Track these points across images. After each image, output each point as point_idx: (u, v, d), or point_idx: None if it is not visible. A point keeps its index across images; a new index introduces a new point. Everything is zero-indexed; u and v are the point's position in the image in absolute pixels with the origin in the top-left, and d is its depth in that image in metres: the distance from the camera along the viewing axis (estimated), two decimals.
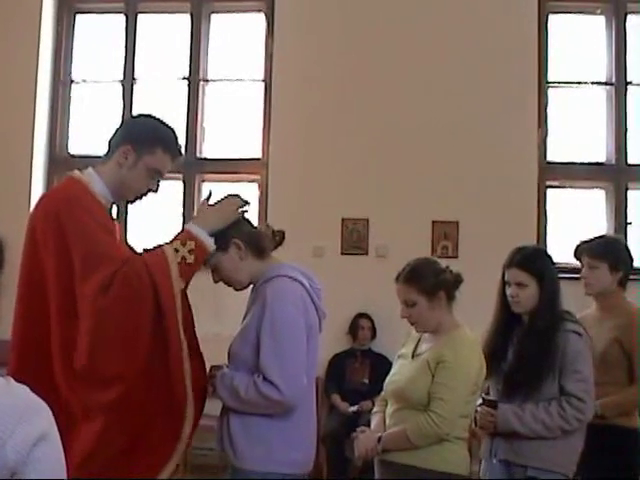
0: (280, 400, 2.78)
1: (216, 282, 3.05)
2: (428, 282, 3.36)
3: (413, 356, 3.47)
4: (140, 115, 3.10)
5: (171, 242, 2.84)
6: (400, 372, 3.47)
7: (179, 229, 2.88)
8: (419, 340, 3.52)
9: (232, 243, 2.95)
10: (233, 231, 2.96)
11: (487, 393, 3.57)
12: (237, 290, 3.07)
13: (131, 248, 2.98)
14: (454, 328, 3.41)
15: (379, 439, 3.36)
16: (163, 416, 2.77)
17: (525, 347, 3.48)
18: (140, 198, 3.00)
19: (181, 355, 2.76)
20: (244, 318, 3.02)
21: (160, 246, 2.83)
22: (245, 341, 2.90)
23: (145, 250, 2.86)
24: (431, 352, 3.36)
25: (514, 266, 3.55)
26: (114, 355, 2.66)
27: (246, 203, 3.01)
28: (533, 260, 3.57)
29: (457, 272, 3.45)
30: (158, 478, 2.76)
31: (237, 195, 3.00)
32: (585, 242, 4.07)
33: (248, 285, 3.05)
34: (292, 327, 2.84)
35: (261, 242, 3.02)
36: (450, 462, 3.30)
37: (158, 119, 3.02)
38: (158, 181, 2.98)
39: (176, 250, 2.80)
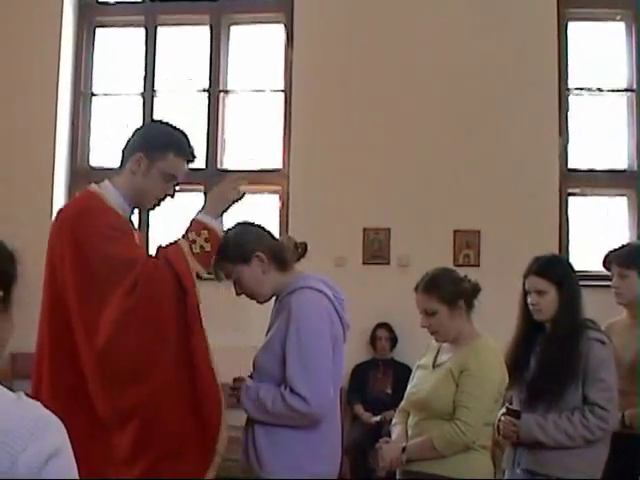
0: (308, 412, 2.77)
1: (238, 295, 3.04)
2: (447, 290, 3.38)
3: (434, 366, 3.48)
4: (150, 122, 3.10)
5: (185, 234, 2.89)
6: (421, 383, 3.48)
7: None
8: (438, 350, 3.54)
9: (254, 256, 2.94)
10: (255, 244, 2.96)
11: (510, 403, 3.56)
12: (260, 303, 3.07)
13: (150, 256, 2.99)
14: (475, 337, 3.43)
15: (403, 449, 3.36)
16: (197, 410, 2.79)
17: (547, 354, 3.48)
18: (159, 204, 3.03)
19: (205, 347, 2.80)
20: (268, 330, 3.01)
21: (174, 241, 2.89)
22: (270, 353, 2.89)
23: (160, 247, 2.91)
24: (454, 361, 3.37)
25: (532, 274, 3.56)
26: (140, 352, 2.69)
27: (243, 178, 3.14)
28: (551, 266, 3.58)
29: (475, 281, 3.46)
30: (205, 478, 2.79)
31: (234, 174, 3.04)
32: (614, 251, 4.00)
33: (271, 297, 3.05)
34: (318, 339, 2.84)
35: (283, 254, 3.02)
36: (475, 471, 3.31)
37: (168, 124, 3.07)
38: (174, 185, 3.01)
39: (193, 241, 2.85)
